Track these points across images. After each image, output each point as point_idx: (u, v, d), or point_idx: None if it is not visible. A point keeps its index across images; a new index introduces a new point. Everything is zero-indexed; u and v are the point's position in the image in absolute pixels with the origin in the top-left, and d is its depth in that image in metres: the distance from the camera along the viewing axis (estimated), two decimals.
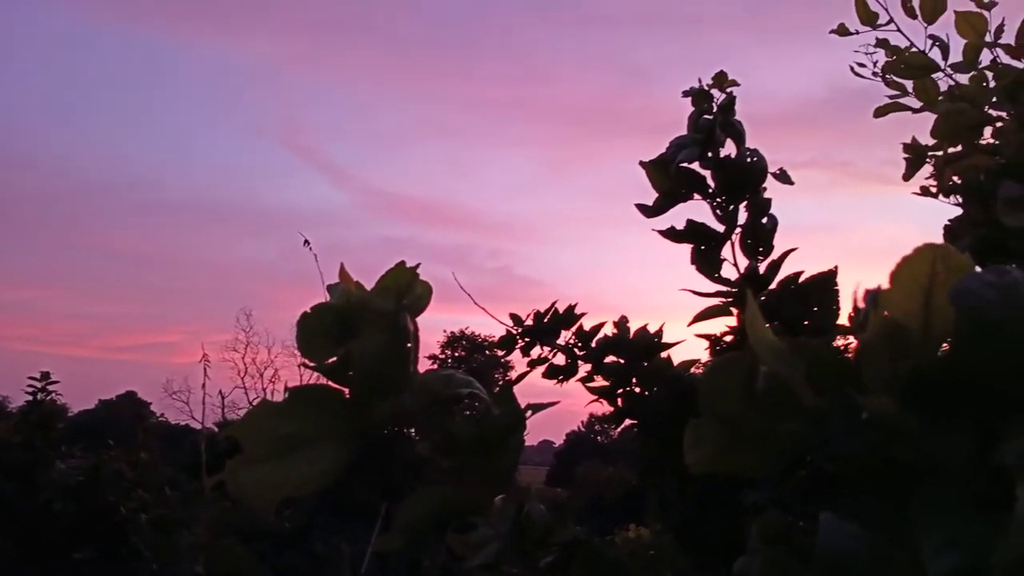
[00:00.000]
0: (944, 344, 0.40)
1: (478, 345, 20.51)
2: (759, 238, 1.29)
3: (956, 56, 1.39)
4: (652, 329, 1.39)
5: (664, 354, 1.36)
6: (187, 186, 33.10)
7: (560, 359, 1.43)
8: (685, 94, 1.36)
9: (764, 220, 1.30)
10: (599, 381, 1.38)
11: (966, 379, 0.39)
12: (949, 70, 1.40)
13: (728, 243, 1.30)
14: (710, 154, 1.31)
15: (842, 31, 1.55)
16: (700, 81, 1.36)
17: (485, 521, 0.86)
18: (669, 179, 1.31)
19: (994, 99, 1.28)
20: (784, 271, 1.27)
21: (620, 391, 1.37)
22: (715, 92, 1.35)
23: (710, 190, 1.31)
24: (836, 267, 1.24)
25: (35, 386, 5.59)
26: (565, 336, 1.43)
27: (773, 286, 1.27)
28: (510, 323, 1.46)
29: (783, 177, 1.32)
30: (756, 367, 0.44)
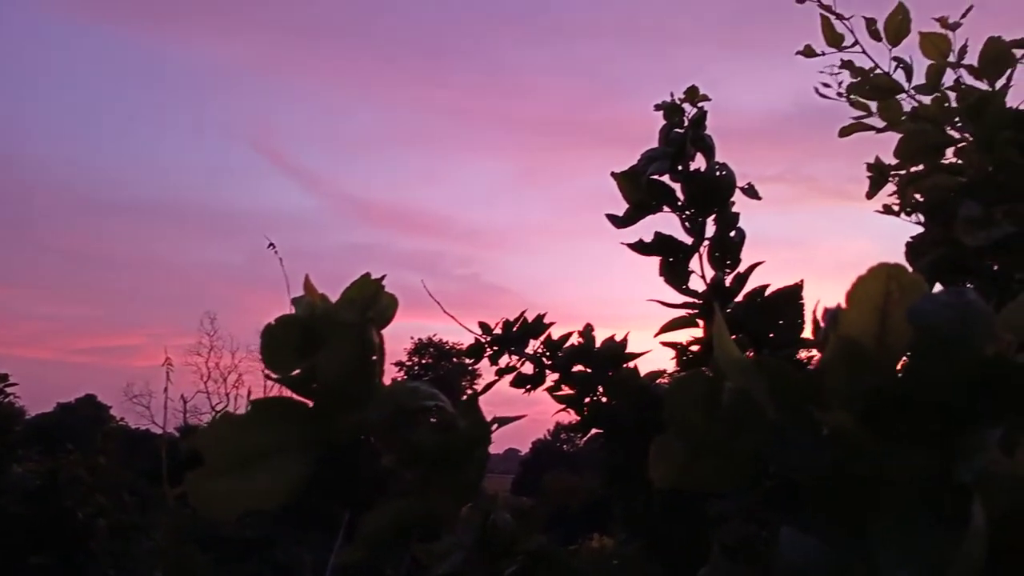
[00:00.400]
0: (901, 362, 0.41)
1: (445, 352, 20.46)
2: (727, 251, 1.31)
3: (920, 77, 1.42)
4: (619, 339, 1.40)
5: (631, 364, 1.37)
6: (154, 187, 32.60)
7: (528, 368, 1.43)
8: (657, 108, 1.38)
9: (732, 233, 1.32)
10: (566, 390, 1.39)
11: (923, 397, 0.40)
12: (913, 91, 1.43)
13: (696, 255, 1.32)
14: (680, 167, 1.33)
15: (808, 52, 1.58)
16: (672, 95, 1.38)
17: (450, 530, 0.86)
18: (640, 191, 1.32)
19: (956, 120, 1.31)
20: (751, 284, 1.29)
21: (587, 400, 1.37)
22: (687, 106, 1.37)
23: (679, 203, 1.33)
24: (802, 281, 1.26)
25: None
26: (533, 345, 1.44)
27: (739, 298, 1.29)
28: (478, 331, 1.46)
29: (751, 192, 1.34)
30: (720, 382, 0.44)
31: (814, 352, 1.16)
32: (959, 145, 1.28)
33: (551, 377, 1.41)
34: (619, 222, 1.34)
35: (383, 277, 0.53)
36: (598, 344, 1.39)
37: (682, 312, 1.31)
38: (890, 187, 1.42)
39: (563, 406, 1.38)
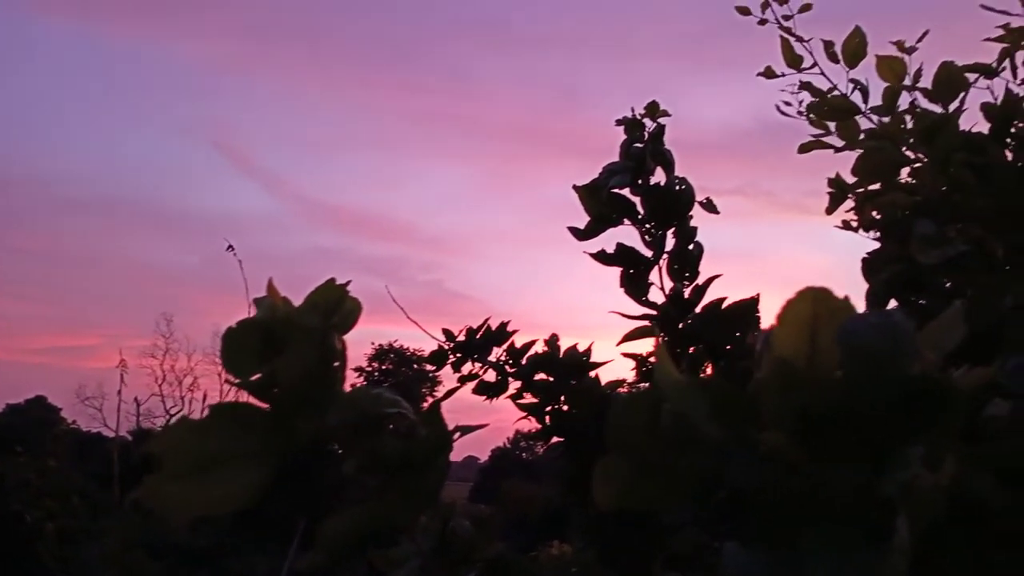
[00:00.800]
0: (831, 381, 0.42)
1: (406, 359, 20.34)
2: (685, 263, 1.33)
3: (876, 99, 1.46)
4: (582, 348, 1.41)
5: (592, 373, 1.39)
6: (112, 186, 31.92)
7: (491, 375, 1.44)
8: (618, 123, 1.40)
9: (690, 246, 1.34)
10: (528, 398, 1.40)
11: (852, 414, 0.41)
12: (870, 113, 1.46)
13: (656, 267, 1.34)
14: (640, 181, 1.35)
15: (769, 74, 1.61)
16: (633, 110, 1.40)
17: (408, 537, 0.86)
18: (601, 204, 1.34)
19: (911, 140, 1.34)
20: (709, 296, 1.31)
21: (549, 409, 1.38)
22: (647, 121, 1.39)
23: (639, 216, 1.35)
24: (758, 295, 1.29)
25: None
26: (496, 353, 1.44)
27: (698, 310, 1.31)
28: (441, 337, 1.46)
29: (709, 206, 1.37)
30: (661, 403, 0.45)
31: None
32: (914, 165, 1.32)
33: (513, 385, 1.41)
34: (580, 235, 1.36)
35: (348, 283, 0.53)
36: (561, 353, 1.40)
37: (642, 323, 1.32)
38: (849, 203, 1.45)
39: (524, 414, 1.39)
